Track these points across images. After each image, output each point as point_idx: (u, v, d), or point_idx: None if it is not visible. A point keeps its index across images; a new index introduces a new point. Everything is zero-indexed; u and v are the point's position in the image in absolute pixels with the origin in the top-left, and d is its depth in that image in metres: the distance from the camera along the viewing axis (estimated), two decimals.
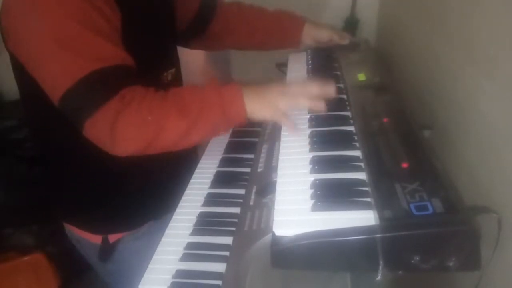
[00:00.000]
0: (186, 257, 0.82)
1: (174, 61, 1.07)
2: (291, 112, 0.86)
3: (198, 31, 1.19)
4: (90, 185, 0.98)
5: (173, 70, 1.04)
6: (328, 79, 0.86)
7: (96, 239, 1.02)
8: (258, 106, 0.82)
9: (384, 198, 0.61)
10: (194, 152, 1.12)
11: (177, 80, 1.07)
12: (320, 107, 0.82)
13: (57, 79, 0.78)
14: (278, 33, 1.21)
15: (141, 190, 1.00)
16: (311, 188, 0.70)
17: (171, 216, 0.93)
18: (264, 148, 1.06)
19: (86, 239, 1.03)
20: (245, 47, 1.27)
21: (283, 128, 0.89)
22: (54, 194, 1.07)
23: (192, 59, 1.64)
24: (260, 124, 1.17)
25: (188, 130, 0.79)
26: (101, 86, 0.76)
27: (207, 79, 0.87)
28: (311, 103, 0.82)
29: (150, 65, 0.92)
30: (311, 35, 1.21)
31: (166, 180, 1.03)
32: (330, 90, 0.84)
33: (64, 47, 0.77)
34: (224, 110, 0.80)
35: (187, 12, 1.15)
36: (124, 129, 0.76)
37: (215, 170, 1.05)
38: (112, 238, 1.02)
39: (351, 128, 0.83)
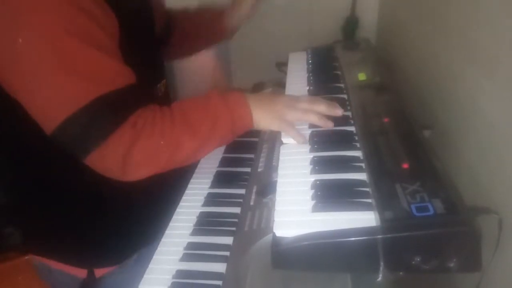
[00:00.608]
0: (186, 257, 0.81)
1: (164, 71, 1.04)
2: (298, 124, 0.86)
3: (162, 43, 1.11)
4: (76, 214, 0.89)
5: (164, 81, 1.00)
6: (335, 101, 0.87)
7: (79, 272, 0.92)
8: (264, 117, 0.82)
9: (384, 199, 0.61)
10: (183, 176, 1.02)
11: (168, 91, 1.03)
12: (328, 124, 0.83)
13: (53, 105, 0.69)
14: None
15: (129, 217, 0.93)
16: (311, 189, 0.70)
17: (157, 244, 0.86)
18: (264, 148, 1.06)
19: (64, 272, 0.93)
20: (199, 49, 1.25)
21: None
22: (30, 224, 0.96)
23: (199, 64, 1.64)
24: None
25: (199, 148, 0.78)
26: (109, 113, 0.70)
27: (213, 84, 0.87)
28: (320, 119, 0.83)
29: (146, 78, 0.84)
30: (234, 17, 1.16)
31: (155, 206, 0.96)
32: (337, 111, 0.85)
33: (63, 67, 0.67)
34: (233, 125, 0.80)
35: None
36: (138, 157, 0.72)
37: (215, 170, 1.05)
38: (99, 272, 0.93)
39: (352, 128, 0.83)
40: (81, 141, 0.71)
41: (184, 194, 0.98)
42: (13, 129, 0.80)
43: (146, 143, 0.72)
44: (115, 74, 0.72)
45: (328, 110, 0.85)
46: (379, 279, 0.59)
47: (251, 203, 0.89)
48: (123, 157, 0.71)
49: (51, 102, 0.69)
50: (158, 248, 0.84)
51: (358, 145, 0.78)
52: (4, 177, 0.91)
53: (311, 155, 0.78)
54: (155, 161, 0.75)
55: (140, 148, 0.72)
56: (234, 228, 0.85)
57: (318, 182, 0.71)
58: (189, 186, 1.01)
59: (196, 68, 1.34)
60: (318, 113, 0.84)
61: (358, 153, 0.76)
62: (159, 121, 0.75)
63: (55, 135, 0.70)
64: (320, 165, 0.75)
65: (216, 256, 0.81)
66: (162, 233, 0.87)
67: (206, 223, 0.89)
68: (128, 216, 0.93)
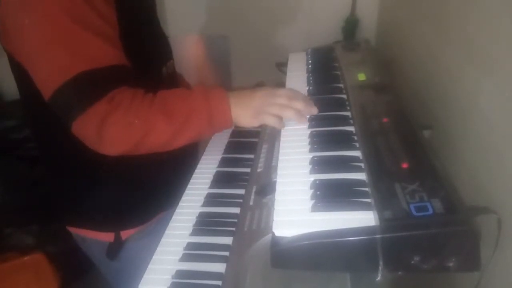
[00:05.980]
0: (186, 258, 0.82)
1: (170, 53, 1.09)
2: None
3: None
4: (99, 182, 0.98)
5: (172, 61, 1.06)
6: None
7: (107, 237, 1.02)
8: (243, 114, 0.84)
9: (384, 199, 0.61)
10: (195, 147, 1.13)
11: (175, 72, 1.09)
12: (304, 122, 0.86)
13: (48, 77, 0.78)
14: None
15: (149, 182, 1.01)
16: (311, 189, 0.70)
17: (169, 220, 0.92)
18: (264, 148, 1.06)
19: (94, 238, 1.03)
20: None
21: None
22: (60, 197, 1.05)
23: (189, 57, 1.64)
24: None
25: (174, 135, 0.81)
26: (90, 87, 0.77)
27: (201, 77, 0.90)
28: (296, 116, 0.86)
29: (151, 59, 0.95)
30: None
31: (172, 171, 1.04)
32: (313, 110, 0.88)
33: (56, 45, 0.77)
34: (210, 118, 0.82)
35: None
36: (110, 131, 0.78)
37: (215, 170, 1.05)
38: (124, 234, 1.02)
39: (351, 128, 0.83)
40: (66, 110, 0.79)
41: (184, 194, 0.98)
42: (38, 104, 0.85)
43: (119, 118, 0.77)
44: (102, 54, 0.79)
45: (305, 108, 0.87)
46: (378, 278, 0.59)
47: (251, 203, 0.89)
48: (97, 129, 0.77)
49: (46, 74, 0.79)
50: (158, 248, 0.85)
51: (357, 145, 0.78)
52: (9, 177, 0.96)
53: (310, 155, 0.78)
54: (127, 138, 0.79)
55: (112, 122, 0.77)
56: (233, 228, 0.85)
57: (317, 181, 0.71)
58: (189, 186, 1.01)
59: (185, 61, 1.35)
60: (295, 109, 0.86)
61: (357, 153, 0.76)
62: (137, 101, 0.79)
63: (51, 103, 0.79)
64: (320, 165, 0.75)
65: (215, 256, 0.81)
66: (178, 200, 0.96)
67: (205, 223, 0.89)
68: (147, 184, 1.02)
